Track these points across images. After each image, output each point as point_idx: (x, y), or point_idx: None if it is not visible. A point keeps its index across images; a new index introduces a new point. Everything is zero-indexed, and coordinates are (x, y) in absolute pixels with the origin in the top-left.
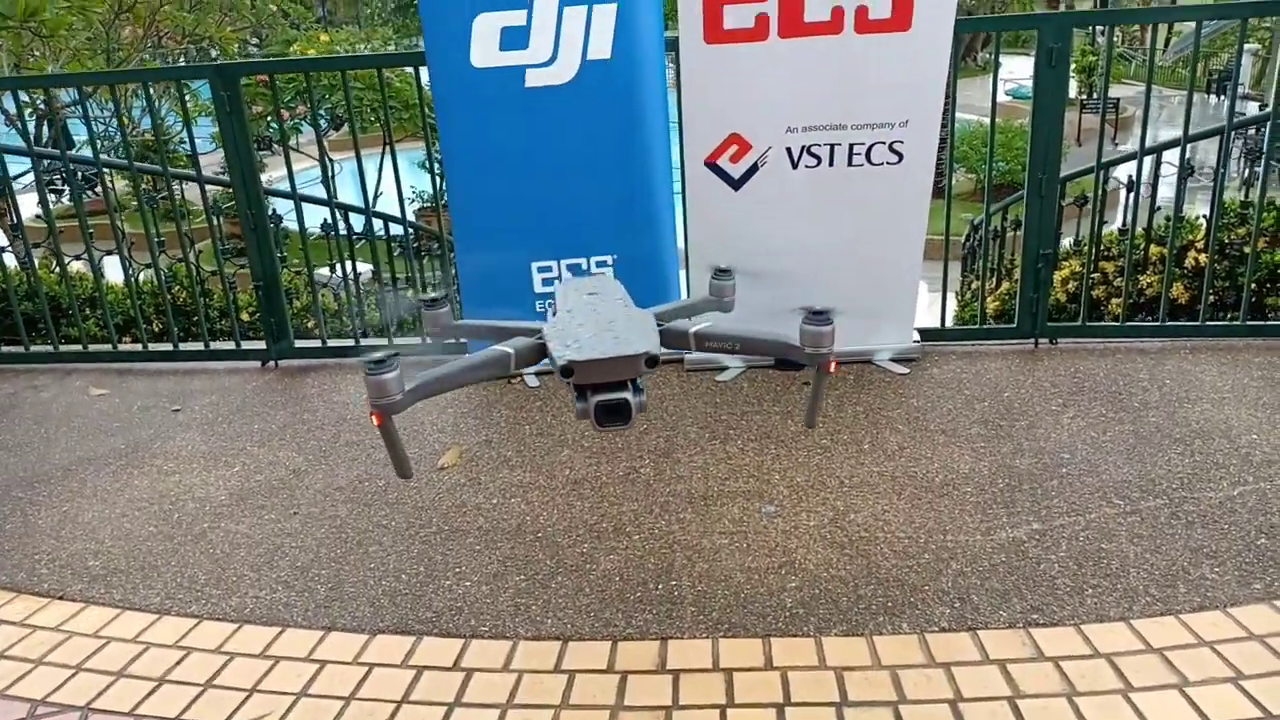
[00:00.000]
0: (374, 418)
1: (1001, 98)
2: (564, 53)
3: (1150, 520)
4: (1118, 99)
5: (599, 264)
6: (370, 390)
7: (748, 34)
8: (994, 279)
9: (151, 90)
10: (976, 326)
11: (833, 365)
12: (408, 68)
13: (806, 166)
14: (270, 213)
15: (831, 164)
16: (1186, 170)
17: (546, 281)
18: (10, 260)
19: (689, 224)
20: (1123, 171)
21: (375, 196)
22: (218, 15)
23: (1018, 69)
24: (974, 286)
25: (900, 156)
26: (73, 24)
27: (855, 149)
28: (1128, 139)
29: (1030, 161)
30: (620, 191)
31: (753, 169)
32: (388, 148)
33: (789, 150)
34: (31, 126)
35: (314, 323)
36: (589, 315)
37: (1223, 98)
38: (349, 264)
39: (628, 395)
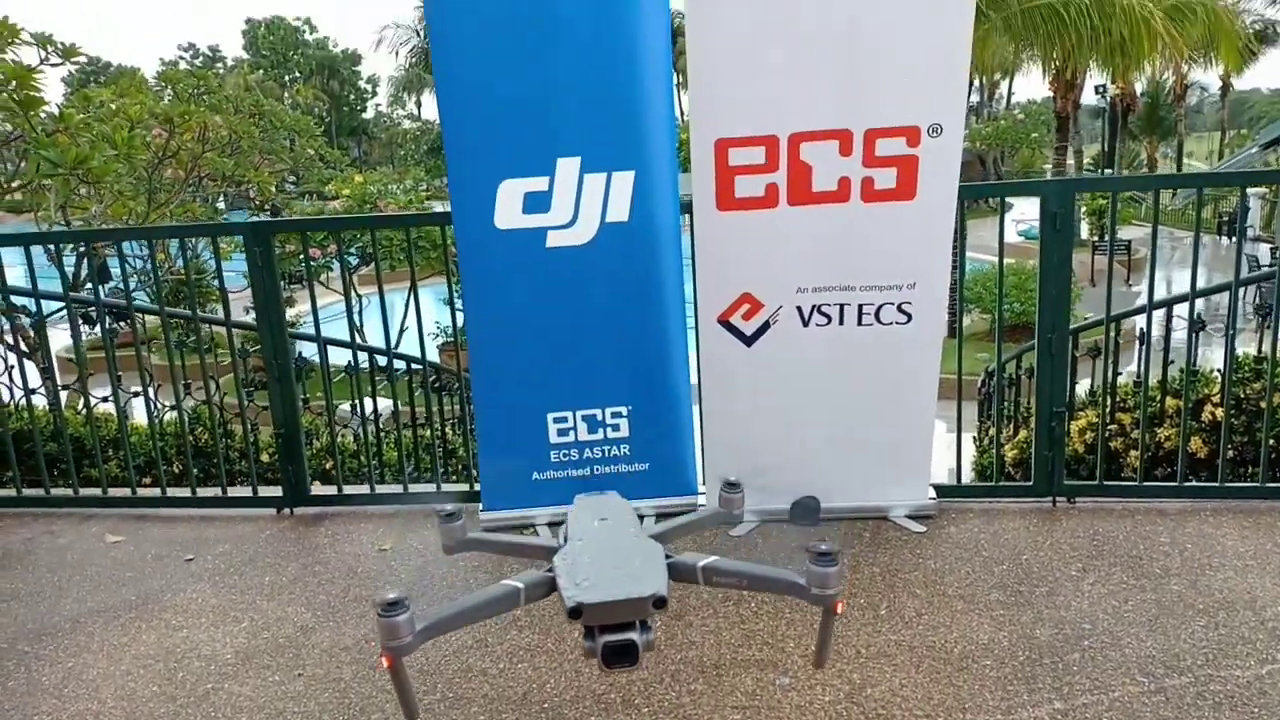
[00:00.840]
0: (384, 659)
1: (1013, 238)
2: (584, 215)
3: (1176, 700)
4: (1129, 241)
5: (614, 414)
6: (382, 633)
7: (758, 202)
8: (1011, 426)
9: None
10: (993, 484)
11: (839, 606)
12: (436, 221)
13: (817, 325)
14: (296, 355)
15: (842, 322)
16: (1198, 324)
17: (562, 431)
18: (38, 400)
19: (702, 378)
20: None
21: (401, 333)
22: (256, 158)
23: (1029, 210)
24: (991, 433)
25: (909, 317)
26: (118, 170)
27: (865, 309)
28: (1140, 280)
29: (1039, 321)
30: (636, 346)
31: (764, 326)
32: (412, 294)
33: (799, 309)
34: (71, 261)
35: (331, 463)
36: (599, 546)
37: (1233, 240)
38: (370, 403)
39: (635, 636)
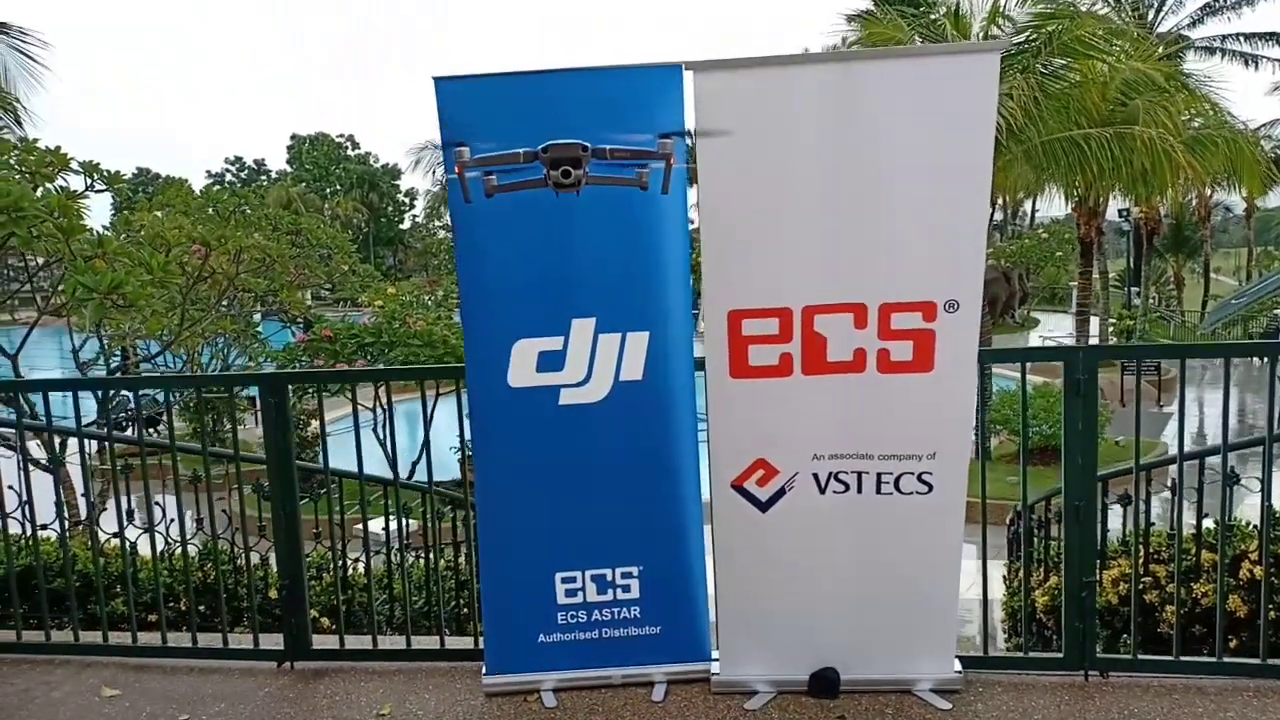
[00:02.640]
0: None
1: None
2: (597, 374)
3: None
4: (1159, 362)
5: (624, 575)
6: None
7: (772, 370)
8: (1041, 569)
9: (225, 338)
10: (1023, 655)
11: None
12: (448, 375)
13: (835, 492)
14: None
15: (860, 491)
16: (1232, 478)
17: (570, 592)
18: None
19: (716, 542)
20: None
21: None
22: (291, 274)
23: (1056, 327)
24: (1019, 574)
25: (930, 487)
26: (152, 295)
27: (884, 477)
28: (1170, 400)
29: (1065, 489)
30: (648, 505)
31: (780, 493)
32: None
33: (816, 476)
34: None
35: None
36: None
37: (1265, 359)
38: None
39: None
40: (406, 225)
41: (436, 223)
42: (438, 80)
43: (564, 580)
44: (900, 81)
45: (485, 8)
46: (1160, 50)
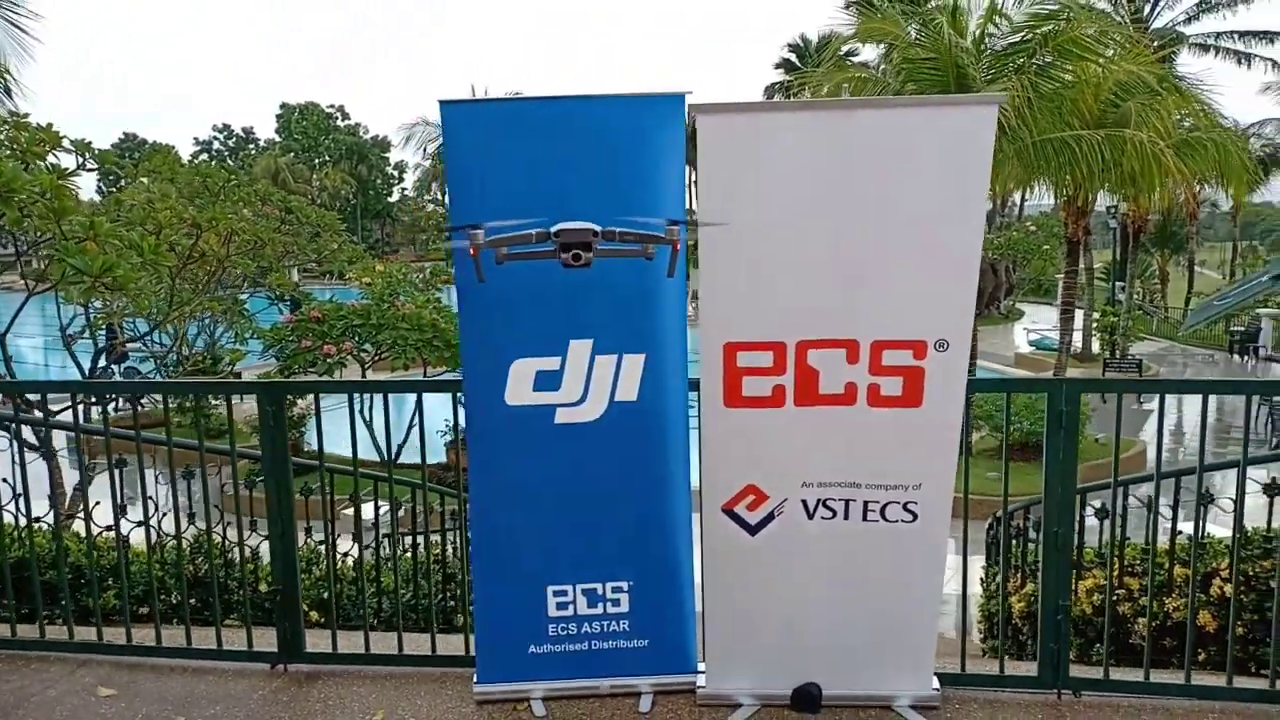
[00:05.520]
0: None
1: (1025, 348)
2: (593, 394)
3: None
4: (1140, 359)
5: (614, 590)
6: None
7: (765, 401)
8: (1018, 576)
9: (211, 315)
10: (998, 674)
11: None
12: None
13: (822, 518)
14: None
15: (847, 518)
16: (1205, 498)
17: (561, 605)
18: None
19: (704, 563)
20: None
21: (409, 433)
22: (279, 249)
23: (1040, 318)
24: (996, 579)
25: (915, 516)
26: (143, 277)
27: (870, 506)
28: (1150, 399)
29: (1045, 518)
30: (639, 521)
31: (769, 517)
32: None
33: (804, 502)
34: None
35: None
36: None
37: (1246, 358)
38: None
39: None
40: (395, 198)
41: (425, 196)
42: (447, 137)
43: (555, 594)
44: (900, 129)
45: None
46: (1154, 47)
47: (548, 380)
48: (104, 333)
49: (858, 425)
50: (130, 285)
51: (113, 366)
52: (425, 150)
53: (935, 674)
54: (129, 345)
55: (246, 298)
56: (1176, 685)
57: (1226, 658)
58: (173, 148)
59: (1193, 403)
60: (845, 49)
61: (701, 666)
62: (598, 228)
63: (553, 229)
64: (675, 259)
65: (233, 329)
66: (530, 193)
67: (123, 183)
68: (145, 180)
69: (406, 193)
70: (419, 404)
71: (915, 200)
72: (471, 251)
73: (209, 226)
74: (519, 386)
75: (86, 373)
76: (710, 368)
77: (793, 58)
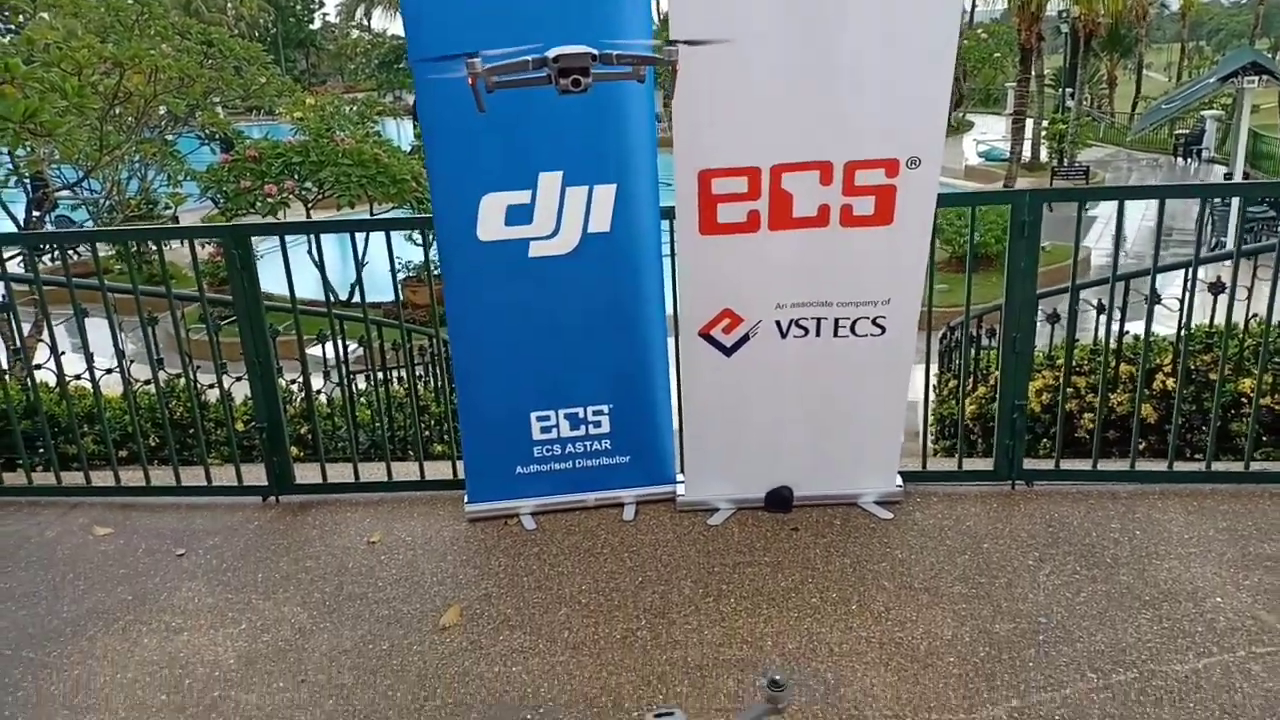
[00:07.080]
0: None
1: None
2: (566, 227)
3: (1121, 697)
4: (1087, 166)
5: (595, 413)
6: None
7: (740, 227)
8: (971, 381)
9: (141, 158)
10: (957, 469)
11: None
12: (415, 231)
13: (795, 337)
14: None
15: (818, 335)
16: (1155, 299)
17: (545, 429)
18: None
19: (682, 384)
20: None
21: (361, 265)
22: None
23: (990, 129)
24: (951, 384)
25: (883, 329)
26: (70, 122)
27: (840, 322)
28: (1095, 205)
29: (1004, 321)
30: (617, 349)
31: (744, 339)
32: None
33: (778, 323)
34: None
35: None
36: None
37: (1190, 160)
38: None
39: None
40: (317, 25)
41: (350, 23)
42: None
43: (539, 419)
44: None
45: None
46: None
47: (519, 214)
48: (29, 182)
49: (830, 246)
50: (59, 130)
51: (45, 216)
52: None
53: (899, 472)
54: (59, 194)
55: (175, 139)
56: (1122, 471)
57: (1169, 445)
58: None
59: (1135, 208)
60: None
61: (681, 478)
62: (595, 51)
63: (549, 54)
64: (675, 77)
65: (165, 172)
66: (508, 18)
67: (21, 18)
68: (46, 16)
69: (329, 19)
70: (388, 241)
71: (887, 20)
72: (470, 81)
73: (131, 65)
74: (491, 221)
75: (20, 224)
76: (685, 196)
77: None
